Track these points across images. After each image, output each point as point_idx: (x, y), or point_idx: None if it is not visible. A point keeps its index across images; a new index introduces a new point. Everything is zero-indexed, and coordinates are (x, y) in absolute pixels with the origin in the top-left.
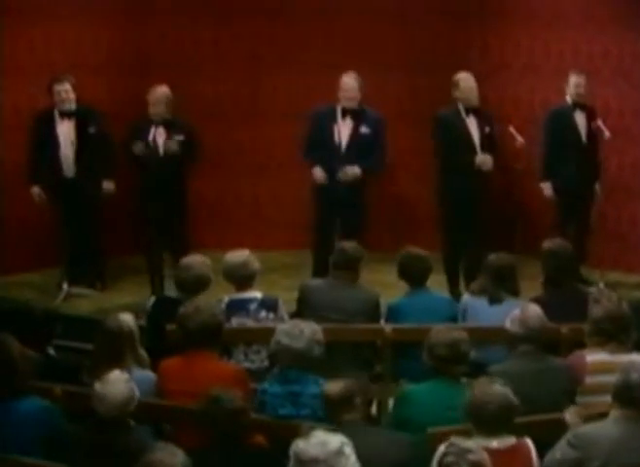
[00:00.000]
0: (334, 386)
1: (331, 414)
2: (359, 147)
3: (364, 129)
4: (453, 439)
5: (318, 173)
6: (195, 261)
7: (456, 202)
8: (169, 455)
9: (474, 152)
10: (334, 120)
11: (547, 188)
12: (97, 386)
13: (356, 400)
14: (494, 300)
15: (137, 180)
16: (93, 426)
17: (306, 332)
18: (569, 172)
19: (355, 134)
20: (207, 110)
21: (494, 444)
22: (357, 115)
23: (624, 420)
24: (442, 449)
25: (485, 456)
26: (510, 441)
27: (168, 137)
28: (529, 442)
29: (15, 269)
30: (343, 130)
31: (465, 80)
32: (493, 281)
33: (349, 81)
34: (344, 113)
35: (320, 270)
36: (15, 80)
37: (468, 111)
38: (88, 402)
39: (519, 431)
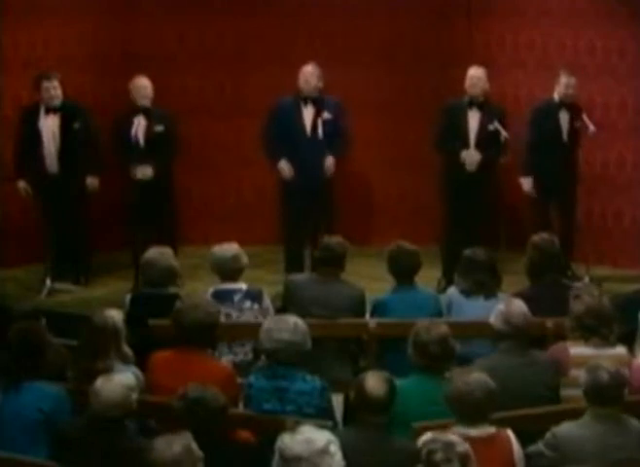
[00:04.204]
0: (378, 383)
1: (365, 412)
2: (325, 133)
3: (326, 115)
4: (433, 434)
5: (285, 168)
6: (158, 254)
7: (457, 197)
8: (166, 443)
9: (466, 146)
10: (298, 109)
11: (526, 183)
12: (99, 381)
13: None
14: (490, 295)
15: (124, 175)
16: (85, 422)
17: (299, 325)
18: (549, 169)
19: (318, 121)
20: (192, 105)
21: (472, 432)
22: (317, 102)
23: (601, 418)
24: (425, 446)
25: (468, 446)
26: (489, 430)
27: (149, 127)
28: (510, 432)
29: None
30: (307, 118)
31: (472, 71)
32: (488, 276)
33: (310, 69)
34: (305, 101)
35: (293, 265)
36: (3, 76)
37: (472, 104)
38: (75, 397)
39: (504, 425)
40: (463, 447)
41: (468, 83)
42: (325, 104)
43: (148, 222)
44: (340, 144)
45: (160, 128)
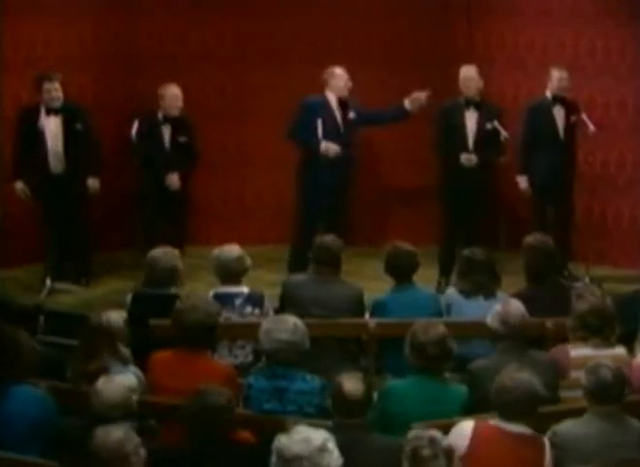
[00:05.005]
0: (355, 385)
1: (343, 414)
2: (353, 134)
3: (352, 115)
4: (416, 431)
5: (331, 145)
6: (162, 253)
7: (455, 197)
8: (107, 431)
9: (465, 148)
10: (329, 110)
11: (522, 181)
12: (99, 381)
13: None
14: (489, 295)
15: (141, 176)
16: (84, 423)
17: (298, 325)
18: (545, 167)
19: (346, 122)
20: (193, 107)
21: (510, 427)
22: (346, 103)
23: (602, 417)
24: (410, 443)
25: (450, 442)
26: (525, 430)
27: (174, 137)
28: (546, 439)
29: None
30: (340, 119)
31: (464, 71)
32: (487, 276)
33: (342, 71)
34: (341, 103)
35: (297, 265)
36: (3, 76)
37: (469, 104)
38: (72, 398)
39: None
40: (446, 441)
41: (462, 84)
42: (351, 105)
43: (161, 223)
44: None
45: (183, 139)
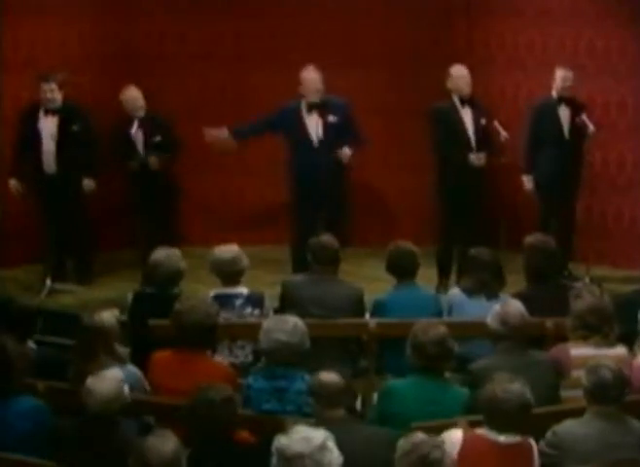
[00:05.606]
0: (330, 377)
1: (323, 406)
2: (331, 137)
3: (331, 119)
4: (416, 437)
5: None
6: (165, 256)
7: (452, 197)
8: (161, 441)
9: (468, 147)
10: (300, 116)
11: (527, 181)
12: (89, 380)
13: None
14: (492, 296)
15: (124, 179)
16: (81, 422)
17: (299, 325)
18: (549, 167)
19: (325, 126)
20: (192, 107)
21: (501, 438)
22: (322, 106)
23: (602, 417)
24: (417, 450)
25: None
26: (515, 438)
27: (146, 137)
28: (533, 442)
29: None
30: (311, 124)
31: (456, 70)
32: (490, 276)
33: (311, 74)
34: (310, 107)
35: (300, 266)
36: (3, 76)
37: (463, 102)
38: (71, 398)
39: None
40: (439, 440)
41: (455, 83)
42: (330, 107)
43: (149, 221)
44: (355, 140)
45: (157, 139)
